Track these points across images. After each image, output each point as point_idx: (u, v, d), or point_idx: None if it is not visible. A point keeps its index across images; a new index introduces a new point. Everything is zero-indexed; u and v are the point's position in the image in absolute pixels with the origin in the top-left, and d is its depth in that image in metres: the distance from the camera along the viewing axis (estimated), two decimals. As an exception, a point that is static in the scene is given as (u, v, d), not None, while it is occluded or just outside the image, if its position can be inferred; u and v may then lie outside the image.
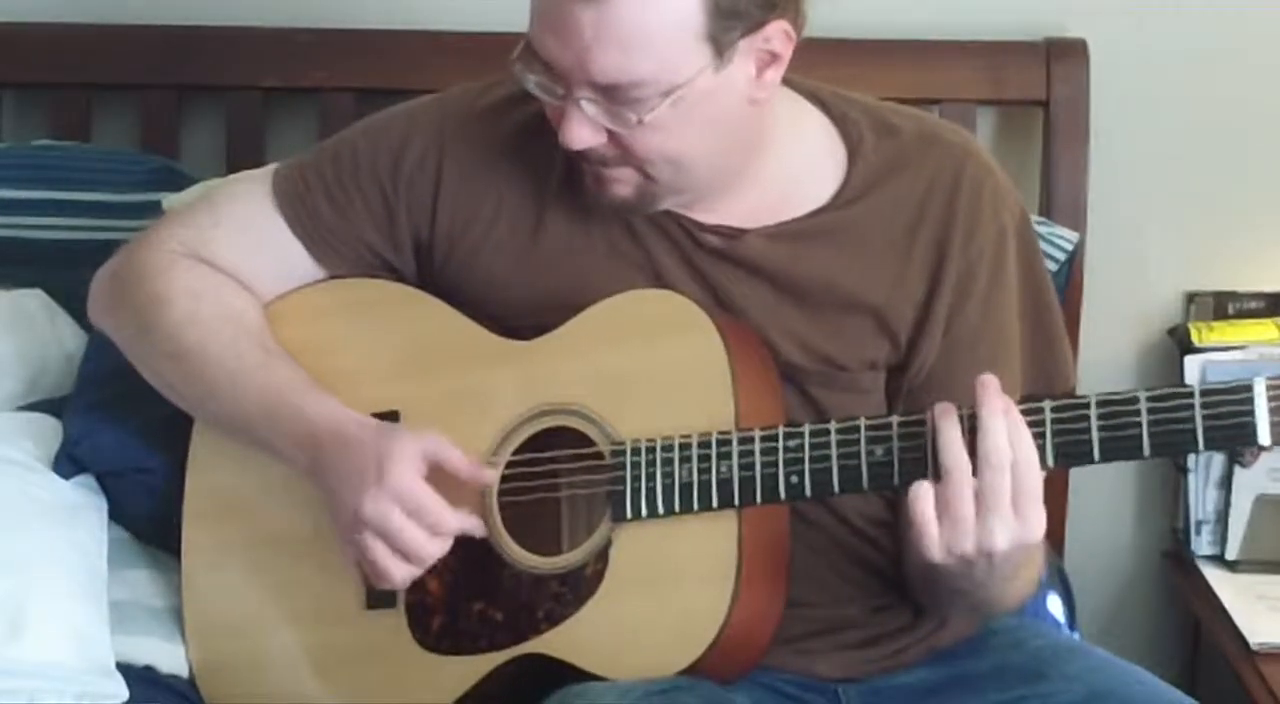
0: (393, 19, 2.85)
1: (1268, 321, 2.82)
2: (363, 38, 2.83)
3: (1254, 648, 2.59)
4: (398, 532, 2.01)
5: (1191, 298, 2.90)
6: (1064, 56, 2.79)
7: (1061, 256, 2.67)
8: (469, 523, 2.04)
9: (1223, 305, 2.87)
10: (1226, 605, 2.70)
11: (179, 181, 2.68)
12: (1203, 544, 2.84)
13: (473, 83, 2.22)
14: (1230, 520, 2.80)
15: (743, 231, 2.11)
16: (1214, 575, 2.79)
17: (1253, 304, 2.87)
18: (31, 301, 2.58)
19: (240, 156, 2.76)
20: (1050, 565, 2.55)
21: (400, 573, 2.03)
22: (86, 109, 2.85)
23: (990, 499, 1.88)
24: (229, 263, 2.20)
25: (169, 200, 2.59)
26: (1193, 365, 2.79)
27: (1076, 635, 2.52)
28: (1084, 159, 2.79)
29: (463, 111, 2.18)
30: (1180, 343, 2.82)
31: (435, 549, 2.03)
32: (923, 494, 1.89)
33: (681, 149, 2.03)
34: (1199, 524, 2.83)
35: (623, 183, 2.06)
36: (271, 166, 2.26)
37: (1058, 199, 2.78)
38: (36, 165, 2.74)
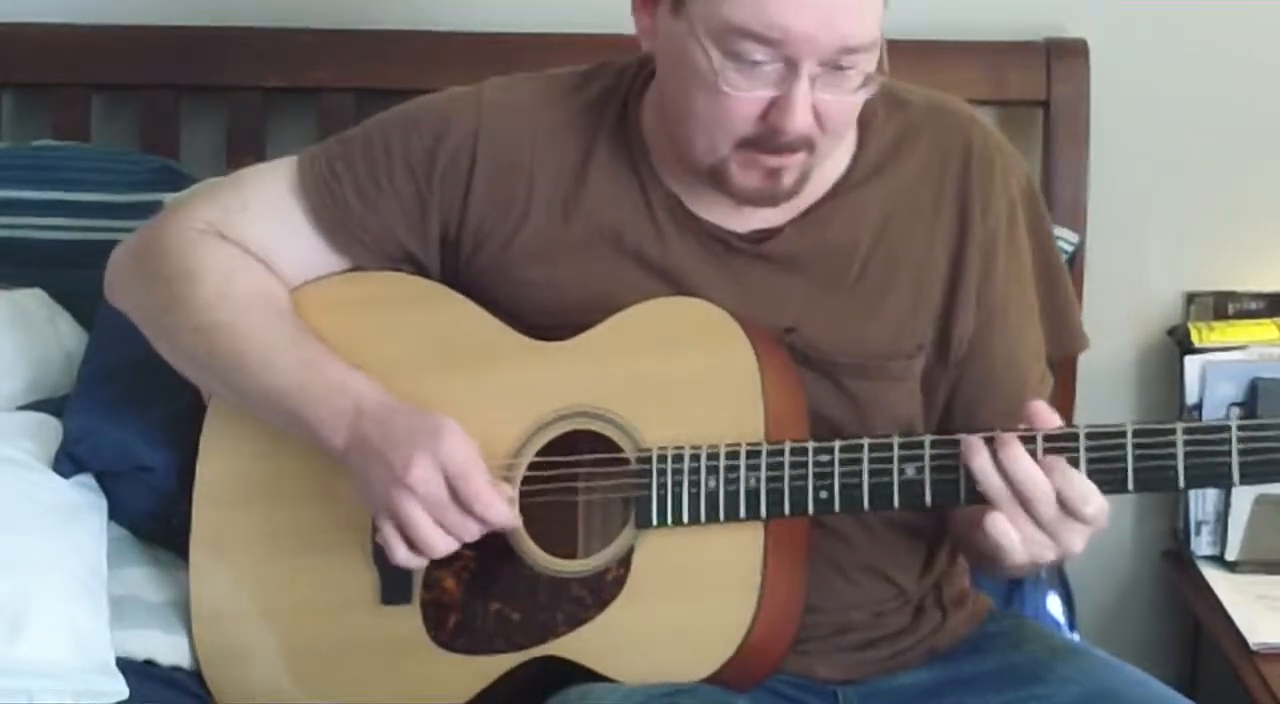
0: (393, 19, 2.85)
1: (1268, 322, 2.82)
2: (363, 38, 2.84)
3: (1254, 648, 2.58)
4: (440, 498, 1.99)
5: (1191, 298, 2.90)
6: (1064, 56, 2.80)
7: (1062, 257, 2.67)
8: (507, 509, 2.02)
9: (1223, 305, 2.87)
10: (1226, 605, 2.69)
11: (179, 181, 2.68)
12: (1203, 544, 2.84)
13: (502, 77, 2.22)
14: (1230, 520, 2.80)
15: (778, 229, 2.11)
16: (1214, 575, 2.79)
17: (1253, 304, 2.87)
18: (31, 301, 2.58)
19: (240, 156, 2.76)
20: (1050, 566, 2.56)
21: (440, 544, 2.02)
22: (86, 109, 2.85)
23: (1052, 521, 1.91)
24: (256, 246, 2.19)
25: (169, 200, 2.59)
26: (1193, 365, 2.79)
27: (1076, 636, 2.51)
28: (1084, 159, 2.80)
29: (497, 107, 2.17)
30: (1180, 343, 2.82)
31: (473, 527, 2.02)
32: (1001, 524, 1.91)
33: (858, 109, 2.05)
34: (1199, 524, 2.83)
35: (792, 168, 2.05)
36: (293, 158, 2.24)
37: (1058, 199, 2.78)
38: (36, 165, 2.74)
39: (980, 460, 1.91)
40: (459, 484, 2.00)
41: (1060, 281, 2.20)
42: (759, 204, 2.08)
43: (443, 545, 2.02)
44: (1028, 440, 1.91)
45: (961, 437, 1.93)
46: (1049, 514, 1.90)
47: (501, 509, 2.02)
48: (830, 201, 2.12)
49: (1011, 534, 1.91)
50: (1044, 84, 2.79)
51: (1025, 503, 1.90)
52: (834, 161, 2.12)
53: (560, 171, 2.15)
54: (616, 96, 2.17)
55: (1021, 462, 1.90)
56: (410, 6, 2.86)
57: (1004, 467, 1.90)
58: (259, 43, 2.83)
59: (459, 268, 2.18)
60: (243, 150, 2.79)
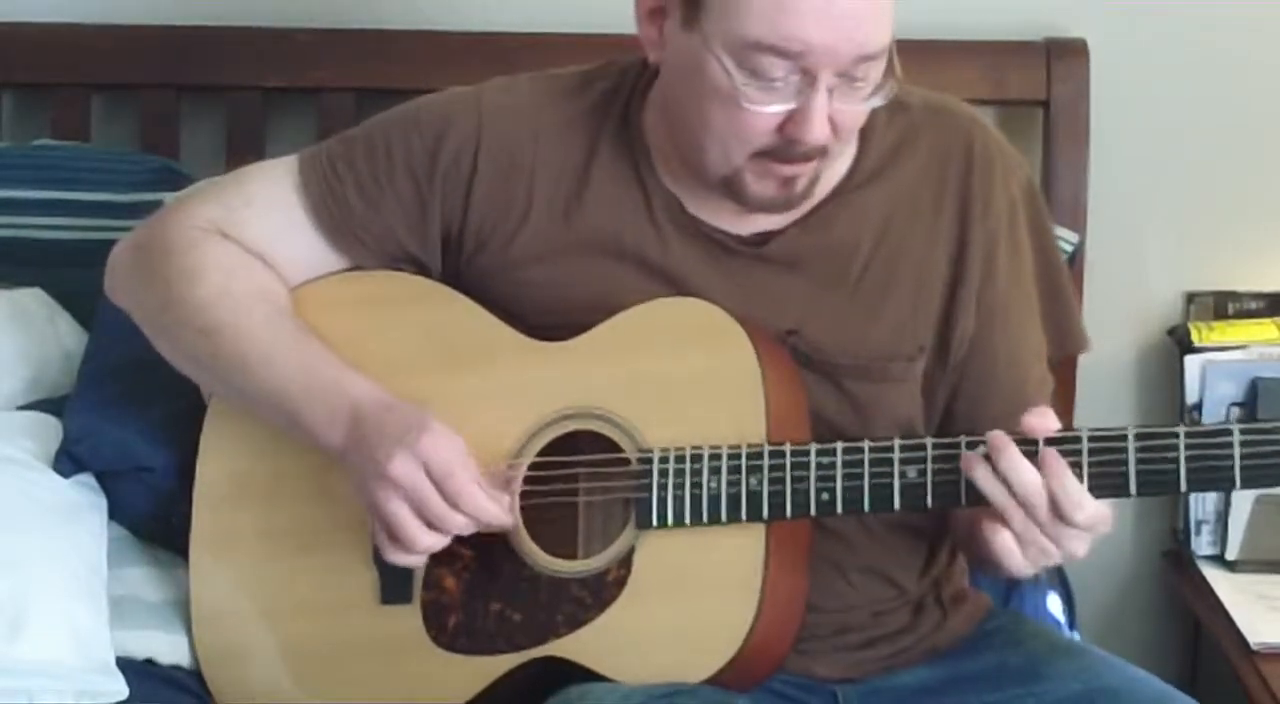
0: (393, 19, 2.85)
1: (1268, 322, 2.82)
2: (363, 38, 2.84)
3: (1254, 648, 2.58)
4: (422, 493, 1.99)
5: (1191, 298, 2.90)
6: (1064, 56, 2.80)
7: (1063, 258, 2.67)
8: (491, 507, 2.02)
9: (1223, 305, 2.87)
10: (1226, 605, 2.69)
11: (179, 181, 2.68)
12: (1203, 544, 2.84)
13: (507, 76, 2.21)
14: (1230, 520, 2.80)
15: (780, 231, 2.12)
16: (1214, 575, 2.79)
17: (1253, 304, 2.87)
18: (31, 301, 2.58)
19: (240, 156, 2.75)
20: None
21: (424, 540, 2.01)
22: (86, 109, 2.85)
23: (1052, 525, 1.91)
24: (257, 244, 2.19)
25: (169, 200, 2.59)
26: (1193, 365, 2.79)
27: (1076, 635, 2.51)
28: (1084, 159, 2.80)
29: (498, 108, 2.17)
30: (1180, 343, 2.83)
31: (458, 521, 2.01)
32: (1002, 536, 1.92)
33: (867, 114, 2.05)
34: (1199, 524, 2.83)
35: (805, 175, 2.06)
36: (294, 157, 2.24)
37: (1058, 199, 2.78)
38: (36, 165, 2.74)
39: (980, 472, 1.91)
40: (444, 484, 2.00)
41: (1061, 283, 2.21)
42: (773, 211, 2.09)
43: (426, 540, 2.02)
44: (1030, 444, 1.91)
45: (961, 453, 1.93)
46: (1045, 517, 1.90)
47: (490, 509, 2.02)
48: (831, 203, 2.12)
49: (1017, 553, 1.92)
50: (1044, 84, 2.79)
51: (1025, 506, 1.90)
52: (834, 166, 2.11)
53: (562, 173, 2.15)
54: (619, 98, 2.17)
55: (1018, 465, 1.90)
56: (410, 6, 2.86)
57: (1001, 472, 1.90)
58: (259, 43, 2.83)
59: (460, 268, 2.18)
60: (243, 150, 2.79)
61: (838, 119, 2.00)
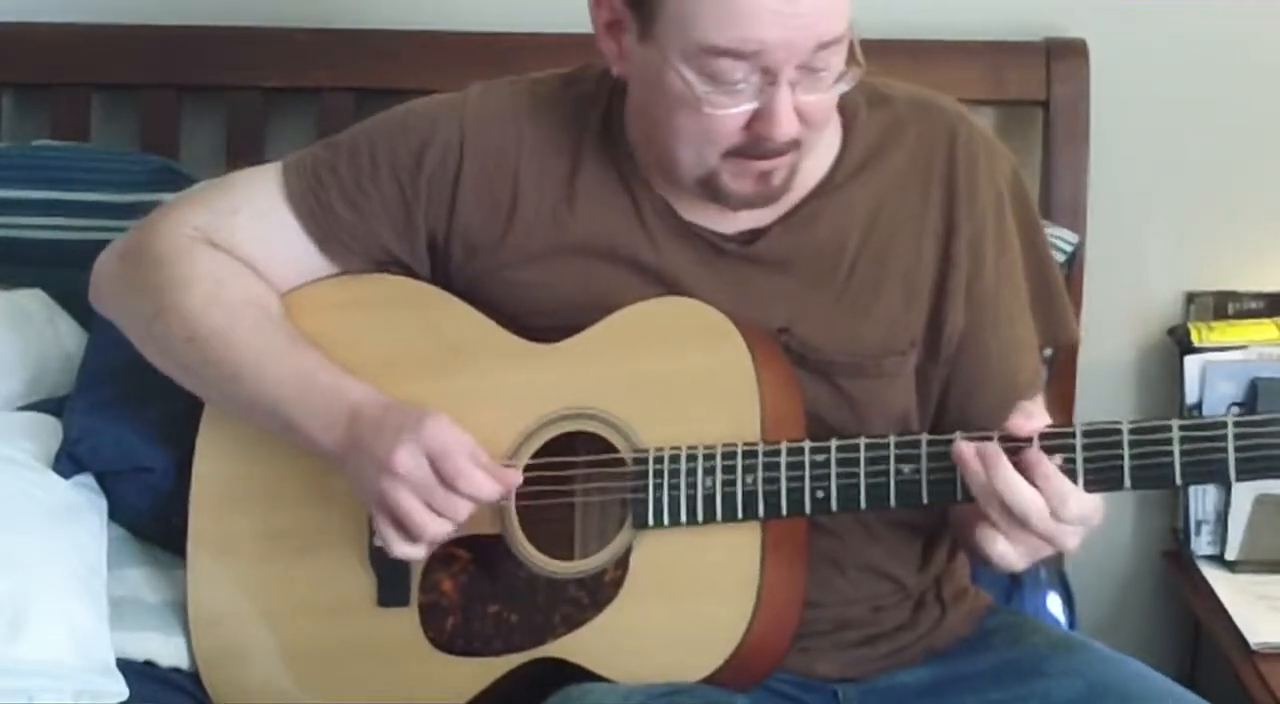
0: (393, 19, 2.85)
1: (1268, 322, 2.82)
2: (363, 38, 2.84)
3: (1254, 648, 2.58)
4: (427, 479, 2.00)
5: (1191, 298, 2.89)
6: (1064, 56, 2.79)
7: (1061, 257, 2.67)
8: (491, 485, 2.02)
9: (1223, 305, 2.87)
10: (1226, 605, 2.69)
11: (179, 181, 2.67)
12: (1202, 544, 2.83)
13: (491, 81, 2.21)
14: (1230, 520, 2.80)
15: (765, 229, 2.11)
16: (1214, 575, 2.79)
17: (1253, 304, 2.87)
18: (31, 302, 2.58)
19: (240, 156, 2.76)
20: (1050, 565, 2.56)
21: (431, 528, 2.02)
22: (86, 109, 2.85)
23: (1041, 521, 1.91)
24: (246, 251, 2.19)
25: (169, 201, 2.59)
26: (1193, 366, 2.79)
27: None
28: (1084, 159, 2.79)
29: (483, 112, 2.17)
30: (1180, 343, 2.82)
31: (463, 505, 2.01)
32: (991, 532, 1.91)
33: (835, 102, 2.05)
34: (1199, 524, 2.83)
35: (782, 169, 2.05)
36: (280, 162, 2.24)
37: (1058, 199, 2.78)
38: (36, 165, 2.74)
39: (977, 481, 1.91)
40: (441, 464, 2.00)
41: (1050, 274, 2.20)
42: (754, 206, 2.09)
43: (434, 527, 2.02)
44: (1024, 440, 1.91)
45: (954, 448, 1.92)
46: (1043, 527, 1.90)
47: (485, 485, 2.01)
48: (816, 200, 2.12)
49: (1010, 553, 1.92)
50: (1044, 84, 2.79)
51: (1020, 520, 1.90)
52: (818, 159, 2.11)
53: (549, 182, 2.15)
54: (598, 103, 2.17)
55: (1012, 482, 1.89)
56: (410, 6, 2.86)
57: (995, 487, 1.90)
58: (259, 43, 2.83)
59: (449, 270, 2.18)
60: (243, 150, 2.79)
61: (805, 111, 1.99)
